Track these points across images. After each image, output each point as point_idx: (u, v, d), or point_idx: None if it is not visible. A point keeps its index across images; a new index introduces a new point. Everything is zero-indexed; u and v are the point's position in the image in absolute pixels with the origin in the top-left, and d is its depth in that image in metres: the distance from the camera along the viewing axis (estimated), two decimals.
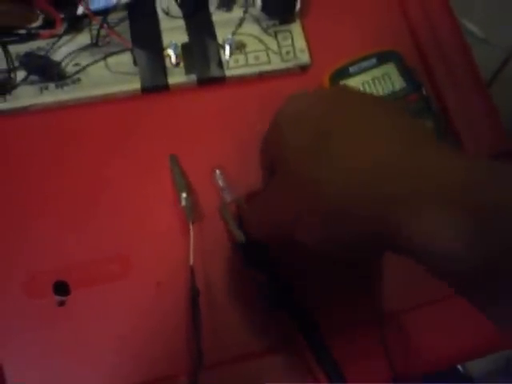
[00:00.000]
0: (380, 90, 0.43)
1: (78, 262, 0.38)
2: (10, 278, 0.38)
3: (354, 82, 0.43)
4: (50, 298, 0.37)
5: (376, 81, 0.43)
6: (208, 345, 0.36)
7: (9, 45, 0.41)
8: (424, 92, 0.43)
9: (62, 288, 0.37)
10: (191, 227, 0.37)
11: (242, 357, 0.37)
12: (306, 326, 0.36)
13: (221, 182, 0.41)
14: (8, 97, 0.41)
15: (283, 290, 0.37)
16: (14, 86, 0.41)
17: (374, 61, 0.43)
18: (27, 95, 0.41)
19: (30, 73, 0.40)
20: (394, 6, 0.47)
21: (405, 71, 0.43)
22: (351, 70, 0.43)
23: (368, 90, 0.42)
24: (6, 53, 0.41)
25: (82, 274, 0.38)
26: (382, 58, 0.43)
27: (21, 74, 0.41)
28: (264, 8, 0.43)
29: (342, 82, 0.43)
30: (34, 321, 0.37)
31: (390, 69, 0.43)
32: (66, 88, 0.41)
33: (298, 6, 0.43)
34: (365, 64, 0.43)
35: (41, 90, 0.41)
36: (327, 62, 0.43)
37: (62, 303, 0.37)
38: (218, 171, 0.41)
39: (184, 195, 0.39)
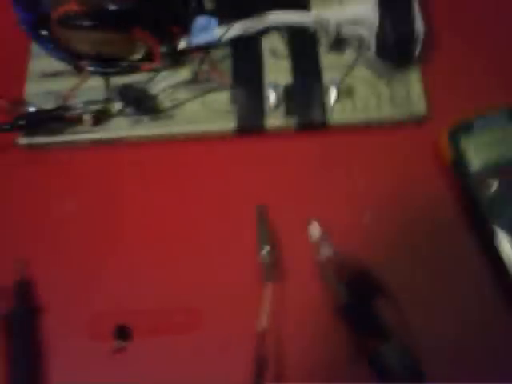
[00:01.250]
0: (506, 152, 0.36)
1: (146, 309, 0.35)
2: (74, 316, 0.36)
3: (476, 142, 0.37)
4: (110, 341, 0.35)
5: (504, 142, 0.36)
6: None
7: (110, 76, 0.41)
8: None
9: (123, 333, 0.35)
10: (268, 287, 0.33)
11: None
12: None
13: (317, 235, 0.36)
14: (103, 127, 0.40)
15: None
16: (110, 117, 0.40)
17: (504, 117, 0.37)
18: (121, 127, 0.40)
19: (126, 104, 0.39)
20: None
21: None
22: (475, 125, 0.37)
23: (495, 150, 0.36)
24: (107, 84, 0.40)
25: (147, 321, 0.35)
26: None
27: (117, 106, 0.40)
28: (379, 51, 0.38)
29: (464, 140, 0.37)
30: (92, 363, 0.35)
31: None
32: (159, 122, 0.40)
33: (418, 49, 0.38)
34: (493, 120, 0.37)
35: (135, 122, 0.40)
36: (447, 116, 0.38)
37: (121, 349, 0.34)
38: (315, 222, 0.36)
39: (265, 251, 0.35)
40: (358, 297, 0.33)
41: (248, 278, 0.35)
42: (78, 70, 0.41)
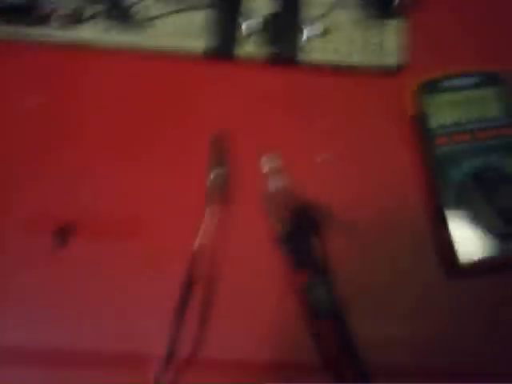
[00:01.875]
0: (470, 113, 0.36)
1: (87, 211, 0.36)
2: (16, 212, 0.36)
3: (442, 100, 0.37)
4: (50, 240, 0.35)
5: (468, 103, 0.36)
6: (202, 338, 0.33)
7: None
8: None
9: (62, 233, 0.35)
10: (211, 210, 0.33)
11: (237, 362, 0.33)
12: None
13: (268, 168, 0.36)
14: (72, 30, 0.39)
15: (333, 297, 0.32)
16: (80, 21, 0.39)
17: (472, 80, 0.37)
18: (90, 32, 0.39)
19: (98, 10, 0.39)
20: None
21: (507, 100, 0.36)
22: (444, 84, 0.37)
23: (456, 111, 0.36)
24: None
25: (87, 224, 0.35)
26: (483, 80, 0.37)
27: (90, 10, 0.39)
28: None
29: (429, 96, 0.37)
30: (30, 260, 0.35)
31: (490, 93, 0.37)
32: (129, 33, 0.39)
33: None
34: (460, 82, 0.37)
35: (105, 29, 0.39)
36: (418, 71, 0.37)
37: (58, 249, 0.35)
38: (267, 156, 0.36)
39: (213, 174, 0.35)
40: (297, 230, 0.33)
41: (194, 199, 0.35)
42: None
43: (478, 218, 0.33)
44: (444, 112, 0.36)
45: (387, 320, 0.33)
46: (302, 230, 0.33)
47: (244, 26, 0.38)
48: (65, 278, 0.35)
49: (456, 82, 0.37)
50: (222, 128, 0.37)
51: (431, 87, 0.37)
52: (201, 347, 0.33)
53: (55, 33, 0.39)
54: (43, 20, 0.39)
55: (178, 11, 0.39)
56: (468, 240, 0.33)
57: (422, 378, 0.32)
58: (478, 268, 0.33)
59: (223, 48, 0.38)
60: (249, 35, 0.38)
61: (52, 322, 0.34)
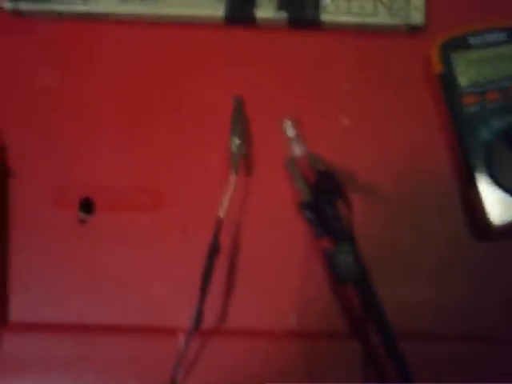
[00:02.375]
0: (501, 71, 0.35)
1: (110, 185, 0.36)
2: (42, 185, 0.36)
3: (471, 57, 0.35)
4: (74, 212, 0.35)
5: (498, 60, 0.35)
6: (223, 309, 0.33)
7: None
8: None
9: (87, 206, 0.35)
10: (233, 177, 0.33)
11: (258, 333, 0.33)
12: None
13: (290, 133, 0.36)
14: (91, 1, 0.39)
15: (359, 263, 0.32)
16: None
17: (503, 35, 0.35)
18: (110, 2, 0.38)
19: None
20: None
21: None
22: (471, 41, 0.35)
23: (487, 68, 0.35)
24: None
25: (110, 197, 0.36)
26: None
27: None
28: None
29: (457, 54, 0.35)
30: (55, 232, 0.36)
31: None
32: (148, 2, 0.38)
33: None
34: (490, 38, 0.35)
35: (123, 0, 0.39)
36: (445, 28, 0.36)
37: (84, 221, 0.35)
38: (288, 121, 0.36)
39: (236, 141, 0.34)
40: (320, 196, 0.33)
41: (216, 166, 0.35)
42: None
43: (508, 178, 0.33)
44: (472, 69, 0.35)
45: (414, 284, 0.33)
46: (325, 195, 0.33)
47: None
48: (88, 251, 0.35)
49: (484, 38, 0.35)
50: (243, 93, 0.36)
51: (458, 44, 0.35)
52: (226, 317, 0.33)
53: (73, 5, 0.38)
54: None
55: None
56: (499, 200, 0.33)
57: (448, 341, 0.32)
58: (509, 229, 0.33)
59: (243, 12, 0.38)
60: None
61: (75, 296, 0.35)
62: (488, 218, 0.32)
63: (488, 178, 0.33)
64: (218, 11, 0.38)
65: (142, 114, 0.37)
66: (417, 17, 0.37)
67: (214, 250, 0.32)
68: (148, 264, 0.35)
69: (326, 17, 0.37)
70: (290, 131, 0.35)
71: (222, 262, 0.33)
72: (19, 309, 0.35)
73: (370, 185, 0.35)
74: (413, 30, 0.37)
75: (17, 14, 0.39)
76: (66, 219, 0.35)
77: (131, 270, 0.35)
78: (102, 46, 0.39)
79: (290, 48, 0.38)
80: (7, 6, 0.39)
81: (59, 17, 0.39)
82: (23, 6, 0.39)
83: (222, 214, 0.32)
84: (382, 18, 0.37)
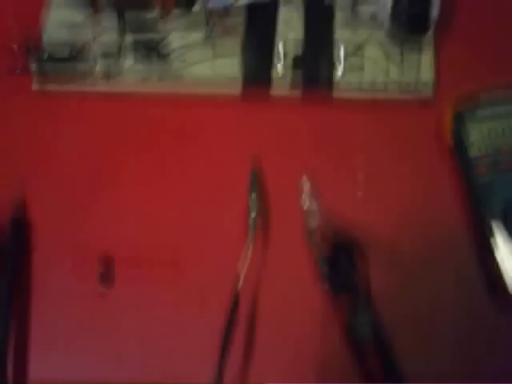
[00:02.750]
0: (509, 141, 0.36)
1: (129, 256, 0.37)
2: (61, 252, 0.37)
3: (479, 127, 0.36)
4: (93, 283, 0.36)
5: (505, 131, 0.36)
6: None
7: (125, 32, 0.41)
8: None
9: (106, 277, 0.36)
10: (250, 248, 0.34)
11: None
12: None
13: (308, 206, 0.36)
14: (113, 81, 0.41)
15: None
16: (121, 72, 0.41)
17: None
18: (131, 83, 0.41)
19: (136, 61, 0.40)
20: None
21: None
22: (481, 110, 0.36)
23: (496, 139, 0.36)
24: (121, 39, 0.41)
25: (129, 266, 0.36)
26: None
27: (129, 62, 0.41)
28: (391, 31, 0.38)
29: (465, 125, 0.36)
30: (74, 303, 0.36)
31: None
32: (168, 82, 0.40)
33: (431, 32, 0.38)
34: (499, 107, 0.36)
35: (144, 80, 0.40)
36: (453, 100, 0.37)
37: (103, 293, 0.36)
38: (305, 192, 0.37)
39: (252, 216, 0.35)
40: (338, 264, 0.33)
41: (234, 230, 0.36)
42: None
43: None
44: (482, 140, 0.36)
45: (431, 353, 0.32)
46: (342, 263, 0.33)
47: (279, 66, 0.39)
48: (107, 316, 0.36)
49: (493, 110, 0.36)
50: (261, 168, 0.38)
51: (468, 115, 0.36)
52: (245, 377, 0.33)
53: (96, 85, 0.41)
54: (86, 73, 0.41)
55: (213, 58, 0.40)
56: None
57: None
58: None
59: (259, 88, 0.39)
60: (283, 75, 0.39)
61: (97, 358, 0.35)
62: (507, 287, 0.32)
63: (505, 247, 0.33)
64: (236, 88, 0.40)
65: (162, 185, 0.39)
66: (426, 91, 0.38)
67: (230, 324, 0.32)
68: (167, 329, 0.35)
69: (338, 92, 0.39)
70: (308, 202, 0.36)
71: (240, 324, 0.33)
72: (39, 369, 0.35)
73: (387, 254, 0.35)
74: (423, 104, 0.39)
75: (43, 94, 0.41)
76: (85, 286, 0.36)
77: (151, 333, 0.35)
78: (126, 122, 0.41)
79: (305, 121, 0.39)
80: (35, 87, 0.41)
81: (81, 96, 0.41)
82: (50, 87, 0.41)
83: (239, 286, 0.33)
84: (392, 94, 0.39)
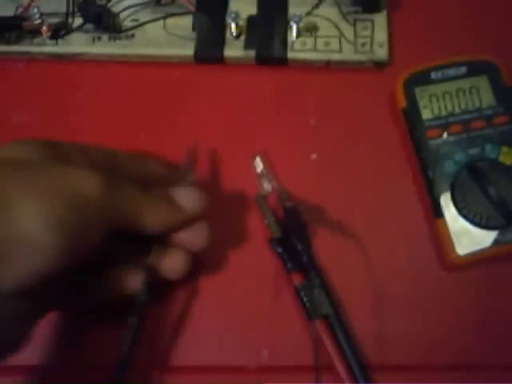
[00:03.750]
0: (463, 104, 0.36)
1: None
2: None
3: (433, 90, 0.36)
4: None
5: (460, 93, 0.36)
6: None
7: None
8: None
9: None
10: None
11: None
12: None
13: (259, 170, 0.36)
14: (60, 41, 0.39)
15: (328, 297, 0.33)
16: (69, 32, 0.39)
17: (463, 69, 0.36)
18: (79, 43, 0.39)
19: (85, 20, 0.39)
20: (504, 8, 0.40)
21: (499, 87, 0.36)
22: (433, 75, 0.36)
23: (449, 101, 0.36)
24: None
25: None
26: (474, 68, 0.36)
27: (78, 21, 0.39)
28: None
29: (420, 88, 0.36)
30: None
31: (481, 82, 0.36)
32: (118, 42, 0.39)
33: None
34: (451, 72, 0.36)
35: (93, 40, 0.39)
36: (408, 63, 0.37)
37: None
38: (258, 157, 0.36)
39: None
40: (289, 232, 0.33)
41: None
42: None
43: (473, 210, 0.33)
44: (435, 103, 0.36)
45: (384, 318, 0.33)
46: (294, 231, 0.33)
47: (232, 28, 0.38)
48: None
49: (445, 72, 0.36)
50: (211, 132, 0.37)
51: (420, 78, 0.37)
52: (198, 354, 0.33)
53: (44, 46, 0.39)
54: (32, 33, 0.39)
55: (164, 17, 0.39)
56: (464, 232, 0.33)
57: (421, 375, 0.32)
58: (475, 260, 0.33)
59: (212, 51, 0.38)
60: (237, 37, 0.38)
61: None
62: (454, 249, 0.33)
63: (453, 210, 0.34)
64: (189, 51, 0.38)
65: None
66: (381, 53, 0.38)
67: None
68: None
69: (292, 54, 0.38)
70: (259, 167, 0.36)
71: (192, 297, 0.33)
72: None
73: (338, 218, 0.35)
74: (377, 66, 0.38)
75: None
76: None
77: None
78: (75, 85, 0.39)
79: (259, 84, 0.39)
80: None
81: (31, 57, 0.40)
82: None
83: None
84: (347, 55, 0.38)
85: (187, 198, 0.30)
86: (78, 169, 0.27)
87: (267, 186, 0.35)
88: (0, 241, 0.23)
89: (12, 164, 0.26)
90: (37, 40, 0.39)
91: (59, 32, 0.39)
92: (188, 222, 0.30)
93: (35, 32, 0.39)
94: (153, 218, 0.29)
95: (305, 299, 0.32)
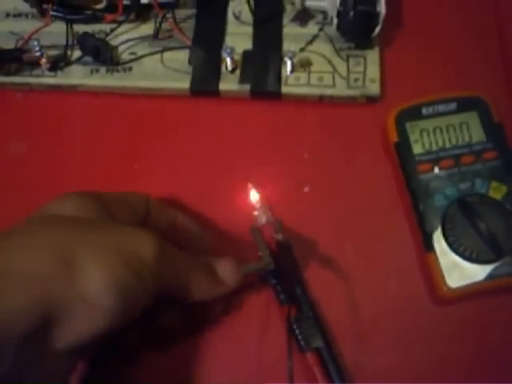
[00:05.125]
0: (453, 139, 0.36)
1: None
2: None
3: (424, 125, 0.37)
4: None
5: (450, 129, 0.37)
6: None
7: (73, 23, 0.41)
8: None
9: None
10: None
11: None
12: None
13: (255, 202, 0.36)
14: (59, 73, 0.40)
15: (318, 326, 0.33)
16: (67, 64, 0.40)
17: (453, 105, 0.37)
18: (77, 75, 0.40)
19: (84, 53, 0.39)
20: (491, 46, 0.41)
21: (489, 123, 0.37)
22: (424, 111, 0.37)
23: (439, 136, 0.37)
24: (68, 30, 0.40)
25: None
26: (464, 104, 0.37)
27: (76, 54, 0.40)
28: (340, 27, 0.38)
29: (411, 123, 0.37)
30: None
31: (471, 118, 0.37)
32: (115, 74, 0.40)
33: (378, 30, 0.38)
34: (442, 108, 0.37)
35: (91, 72, 0.40)
36: (399, 98, 0.38)
37: None
38: (253, 189, 0.37)
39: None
40: (282, 265, 0.34)
41: None
42: (42, 14, 0.41)
43: (463, 244, 0.34)
44: (426, 138, 0.37)
45: (375, 352, 0.33)
46: (287, 264, 0.34)
47: (227, 62, 0.39)
48: None
49: (437, 108, 0.37)
50: (207, 164, 0.38)
51: (412, 114, 0.37)
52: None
53: (43, 77, 0.40)
54: (31, 65, 0.40)
55: (161, 51, 0.40)
56: (455, 265, 0.34)
57: None
58: (465, 293, 0.34)
59: (208, 85, 0.39)
60: (232, 71, 0.39)
61: None
62: (445, 283, 0.33)
63: (444, 244, 0.34)
64: (185, 84, 0.39)
65: (111, 181, 0.38)
66: (373, 88, 0.39)
67: None
68: None
69: (286, 89, 0.39)
70: (255, 199, 0.36)
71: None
72: None
73: (330, 251, 0.35)
74: (370, 101, 0.39)
75: None
76: None
77: None
78: (72, 116, 0.40)
79: (254, 118, 0.39)
80: None
81: (30, 88, 0.41)
82: None
83: None
84: (340, 90, 0.39)
85: (228, 271, 0.31)
86: (136, 230, 0.28)
87: (262, 218, 0.36)
88: (66, 300, 0.24)
89: (78, 221, 0.27)
90: (36, 71, 0.40)
91: (58, 64, 0.40)
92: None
93: (35, 64, 0.40)
94: (199, 291, 0.30)
95: (297, 331, 0.32)
